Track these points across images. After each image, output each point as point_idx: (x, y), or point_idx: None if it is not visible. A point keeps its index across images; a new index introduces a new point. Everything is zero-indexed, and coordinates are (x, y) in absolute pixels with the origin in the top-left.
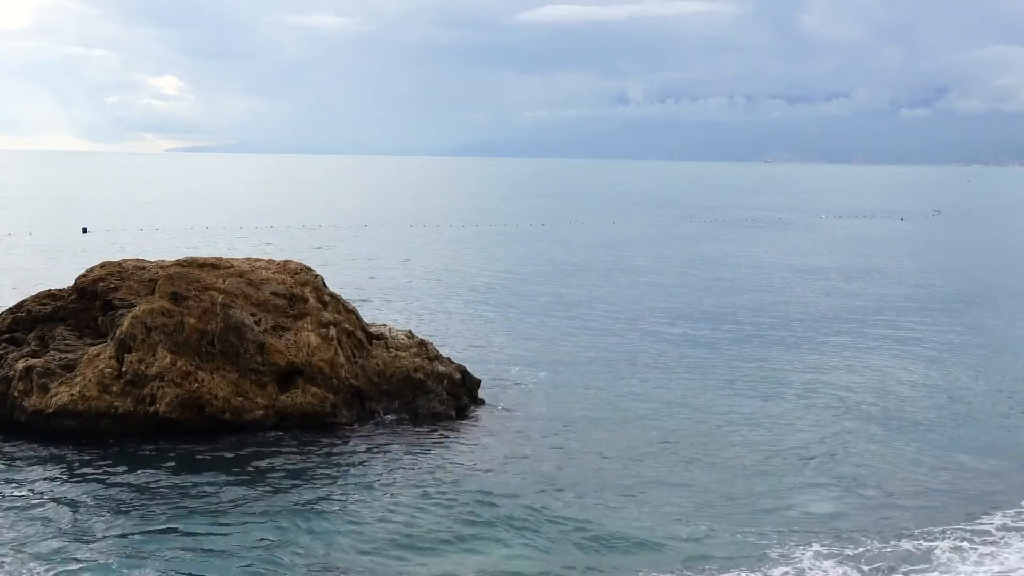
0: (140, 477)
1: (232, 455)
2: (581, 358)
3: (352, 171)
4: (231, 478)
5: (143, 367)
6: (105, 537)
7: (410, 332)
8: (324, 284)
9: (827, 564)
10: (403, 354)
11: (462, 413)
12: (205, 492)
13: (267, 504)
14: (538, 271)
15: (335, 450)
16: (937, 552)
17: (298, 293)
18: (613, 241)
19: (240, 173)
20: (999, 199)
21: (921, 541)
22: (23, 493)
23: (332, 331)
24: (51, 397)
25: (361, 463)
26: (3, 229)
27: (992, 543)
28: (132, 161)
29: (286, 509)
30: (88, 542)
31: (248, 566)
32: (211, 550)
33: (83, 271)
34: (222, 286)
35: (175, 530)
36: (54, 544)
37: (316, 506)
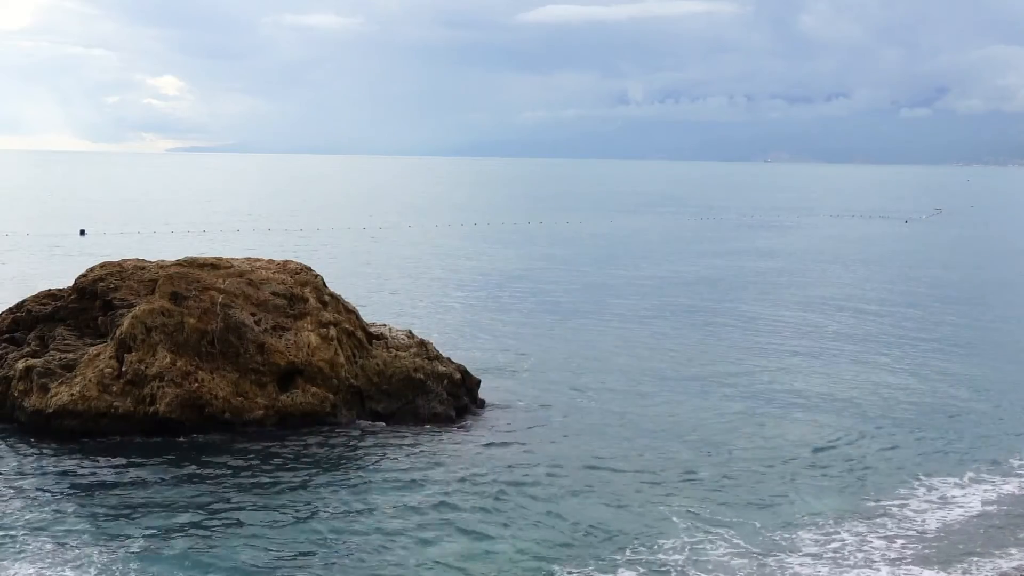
0: (140, 477)
1: (232, 455)
2: (582, 357)
3: (352, 171)
4: (231, 478)
5: (143, 367)
6: (104, 537)
7: (410, 332)
8: (324, 284)
9: (824, 560)
10: (403, 354)
11: (462, 413)
12: (205, 492)
13: (266, 504)
14: (538, 270)
15: (335, 450)
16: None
17: (298, 293)
18: (612, 240)
19: (240, 173)
20: (999, 199)
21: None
22: (23, 493)
23: (332, 331)
24: (51, 397)
25: (361, 463)
26: (1, 229)
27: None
28: (132, 161)
29: (285, 509)
30: (87, 542)
31: (247, 565)
32: (211, 550)
33: (83, 271)
34: (222, 286)
35: (174, 530)
36: (53, 544)
37: (315, 506)
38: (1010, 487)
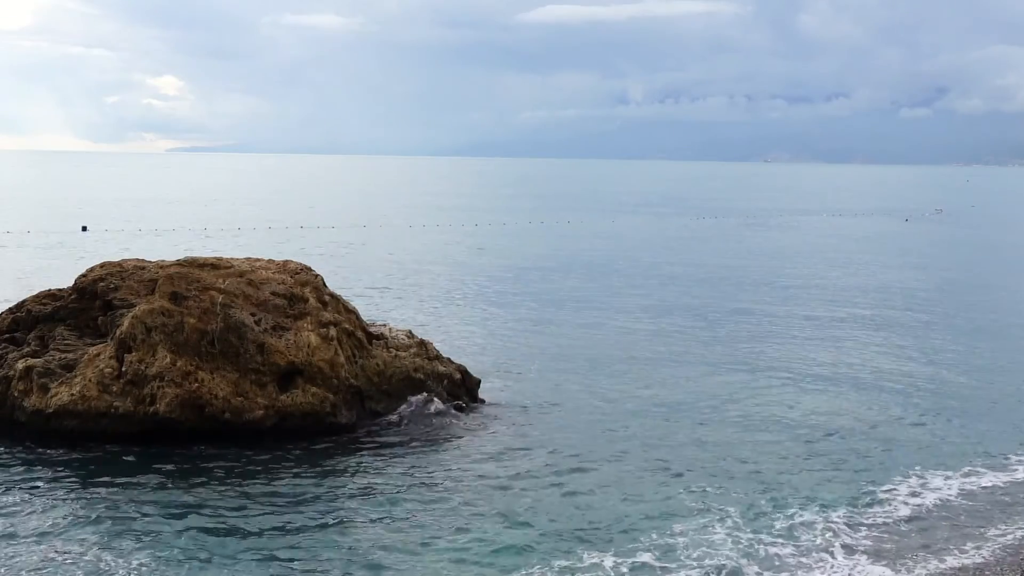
0: (139, 477)
1: (231, 455)
2: (583, 356)
3: (352, 171)
4: (230, 478)
5: (143, 367)
6: (104, 537)
7: (410, 332)
8: (324, 284)
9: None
10: (403, 354)
11: (462, 413)
12: (204, 492)
13: (266, 504)
14: (538, 269)
15: (335, 450)
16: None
17: (298, 293)
18: (613, 239)
19: (240, 173)
20: (1000, 199)
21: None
22: (22, 493)
23: (332, 331)
24: (51, 397)
25: (361, 463)
26: (1, 228)
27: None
28: (132, 161)
29: (285, 509)
30: (86, 542)
31: (247, 566)
32: (210, 550)
33: (83, 271)
34: (222, 286)
35: (174, 531)
36: (52, 544)
37: (315, 506)
38: (996, 480)
